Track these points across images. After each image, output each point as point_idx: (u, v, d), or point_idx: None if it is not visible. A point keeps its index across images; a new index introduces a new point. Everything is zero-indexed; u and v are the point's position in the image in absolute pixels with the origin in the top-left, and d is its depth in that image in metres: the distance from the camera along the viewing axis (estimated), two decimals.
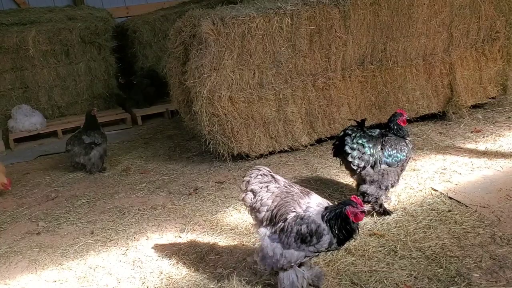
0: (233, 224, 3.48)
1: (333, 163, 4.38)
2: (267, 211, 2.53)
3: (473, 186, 3.60)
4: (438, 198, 3.49)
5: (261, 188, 2.58)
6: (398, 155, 3.32)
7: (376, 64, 4.86)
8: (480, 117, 5.20)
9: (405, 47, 4.91)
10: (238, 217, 3.58)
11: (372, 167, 3.30)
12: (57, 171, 5.06)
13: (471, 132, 4.83)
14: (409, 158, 3.43)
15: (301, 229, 2.40)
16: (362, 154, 3.28)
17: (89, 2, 9.12)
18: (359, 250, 2.95)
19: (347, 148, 3.30)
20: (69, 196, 4.35)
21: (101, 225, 3.71)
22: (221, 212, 3.69)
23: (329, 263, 2.86)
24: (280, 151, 4.73)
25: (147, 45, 7.02)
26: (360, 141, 3.30)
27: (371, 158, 3.30)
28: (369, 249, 2.95)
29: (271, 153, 4.72)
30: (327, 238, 2.39)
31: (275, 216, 2.50)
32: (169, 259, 3.11)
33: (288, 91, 4.57)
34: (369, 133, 3.40)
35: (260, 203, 2.55)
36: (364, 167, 3.29)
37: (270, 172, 2.68)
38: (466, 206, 3.34)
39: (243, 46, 4.30)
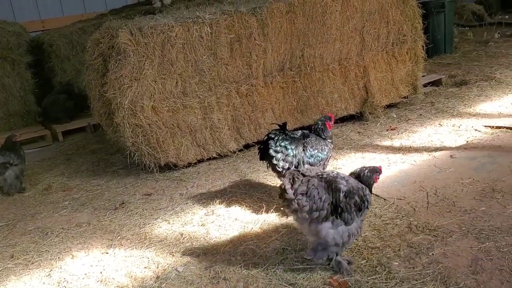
0: (162, 235, 3.44)
1: (261, 167, 4.46)
2: (328, 204, 2.61)
3: (390, 180, 3.82)
4: None
5: (308, 188, 2.61)
6: (320, 154, 3.48)
7: (295, 70, 5.02)
8: (395, 116, 5.53)
9: (321, 53, 5.11)
10: (167, 228, 3.55)
11: (296, 167, 3.41)
12: None
13: (387, 130, 5.13)
14: (330, 157, 3.60)
15: (356, 200, 2.64)
16: (285, 156, 3.40)
17: (1, 16, 8.68)
18: (291, 252, 3.02)
19: (271, 151, 3.41)
20: None
21: (21, 247, 3.52)
22: (150, 225, 3.63)
23: (259, 265, 2.90)
24: (209, 159, 4.75)
25: (65, 59, 6.77)
26: (283, 144, 3.43)
27: (294, 159, 3.42)
28: (298, 249, 3.03)
29: (199, 161, 4.72)
30: (369, 199, 2.72)
31: (336, 203, 2.62)
32: (96, 277, 3.01)
33: (213, 98, 4.61)
34: (291, 135, 3.53)
35: (320, 200, 2.60)
36: (289, 168, 3.40)
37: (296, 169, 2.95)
38: (385, 199, 3.54)
39: (163, 55, 4.28)
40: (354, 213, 2.64)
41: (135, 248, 3.32)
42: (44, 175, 5.01)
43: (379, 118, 5.48)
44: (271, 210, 3.59)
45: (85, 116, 6.37)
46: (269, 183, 4.10)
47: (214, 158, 4.74)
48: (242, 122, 4.80)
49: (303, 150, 3.46)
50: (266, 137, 3.51)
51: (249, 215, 3.57)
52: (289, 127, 4.98)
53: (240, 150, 4.87)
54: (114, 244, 3.40)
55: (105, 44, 4.48)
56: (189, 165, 4.65)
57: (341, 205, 2.62)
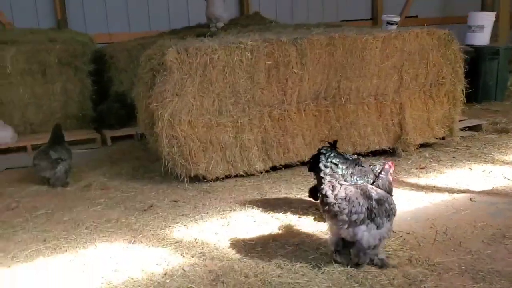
0: (178, 238, 3.71)
1: (283, 189, 4.68)
2: (365, 209, 2.95)
3: (404, 215, 3.90)
4: None
5: (347, 194, 2.95)
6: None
7: (330, 100, 5.23)
8: (427, 155, 5.57)
9: (357, 86, 5.30)
10: (184, 232, 3.82)
11: None
12: (22, 183, 5.24)
13: (416, 168, 5.18)
14: None
15: (386, 207, 3.01)
16: (333, 172, 3.59)
17: (74, 26, 9.50)
18: (288, 264, 3.20)
19: (321, 165, 3.62)
20: (29, 207, 4.53)
21: (54, 234, 3.90)
22: (170, 228, 3.92)
23: (258, 275, 3.10)
24: (236, 175, 5.00)
25: (123, 71, 7.32)
26: (334, 161, 3.63)
27: (341, 178, 3.59)
28: (296, 264, 3.20)
29: (227, 177, 4.99)
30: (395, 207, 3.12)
31: (370, 208, 2.96)
32: (112, 267, 3.31)
33: (246, 119, 4.89)
34: (344, 156, 3.74)
35: (358, 204, 2.94)
36: None
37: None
38: (394, 231, 3.62)
39: (204, 75, 4.63)
40: (384, 218, 3.00)
41: (152, 246, 3.60)
42: (87, 174, 5.45)
43: (412, 156, 5.54)
44: (282, 229, 3.78)
45: (134, 125, 6.82)
46: (287, 204, 4.29)
47: (241, 176, 4.99)
48: (272, 145, 5.03)
49: (351, 174, 3.63)
50: (317, 152, 3.74)
51: (261, 231, 3.77)
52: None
53: (267, 171, 5.09)
54: (134, 241, 3.71)
55: (156, 60, 4.89)
56: (217, 179, 4.92)
57: (374, 211, 2.96)
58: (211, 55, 4.60)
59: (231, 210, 4.21)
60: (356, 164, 3.71)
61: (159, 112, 4.59)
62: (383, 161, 3.42)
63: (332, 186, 2.98)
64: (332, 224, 3.04)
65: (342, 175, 3.60)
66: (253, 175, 5.04)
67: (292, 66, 4.92)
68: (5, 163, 5.90)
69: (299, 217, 4.00)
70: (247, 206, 4.28)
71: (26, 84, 6.66)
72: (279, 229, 3.77)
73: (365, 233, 2.96)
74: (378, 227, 2.97)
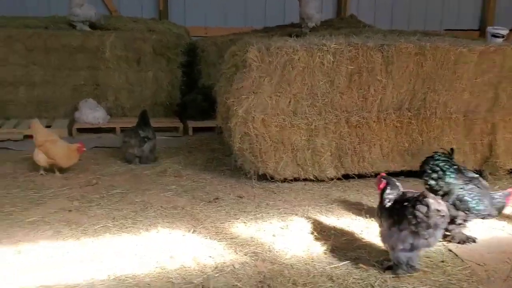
0: (235, 234, 3.74)
1: (352, 199, 4.54)
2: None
3: (477, 244, 3.60)
4: (438, 247, 3.52)
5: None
6: (475, 205, 3.46)
7: (414, 111, 4.95)
8: None
9: (446, 101, 4.97)
10: (242, 229, 3.84)
11: (443, 195, 3.49)
12: (106, 162, 5.58)
13: None
14: (482, 216, 3.56)
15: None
16: (438, 179, 3.52)
17: (173, 18, 9.96)
18: (340, 278, 3.09)
19: (427, 167, 3.59)
20: (107, 185, 4.82)
21: (123, 213, 4.11)
22: (229, 222, 3.96)
23: (307, 284, 3.02)
24: (305, 179, 4.93)
25: (211, 65, 7.51)
26: (443, 167, 3.54)
27: (446, 186, 3.50)
28: (349, 279, 3.08)
29: (295, 179, 4.93)
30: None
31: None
32: (168, 252, 3.42)
33: (321, 123, 4.79)
34: (460, 167, 3.64)
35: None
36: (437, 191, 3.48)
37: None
38: (462, 260, 3.35)
39: (283, 75, 4.60)
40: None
41: (210, 238, 3.66)
42: (165, 160, 5.68)
43: (500, 180, 5.10)
44: (342, 239, 3.65)
45: (214, 118, 6.98)
46: (352, 215, 4.15)
47: (310, 180, 4.90)
48: (346, 152, 4.88)
49: (462, 187, 3.50)
50: (431, 155, 3.69)
51: (319, 239, 3.67)
52: (395, 168, 4.98)
53: (338, 179, 4.96)
54: (194, 230, 3.80)
55: (240, 57, 4.95)
56: (285, 180, 4.88)
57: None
58: (292, 56, 4.56)
59: (293, 214, 4.16)
60: (471, 180, 3.55)
61: (235, 108, 4.64)
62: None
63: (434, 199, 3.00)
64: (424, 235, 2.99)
65: (448, 184, 3.50)
66: (323, 181, 4.93)
67: (376, 73, 4.73)
68: (95, 141, 6.33)
69: (362, 231, 3.84)
70: (311, 212, 4.20)
71: (121, 70, 7.08)
72: (338, 240, 3.65)
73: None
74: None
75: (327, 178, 4.92)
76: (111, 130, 6.77)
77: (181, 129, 6.93)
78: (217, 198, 4.51)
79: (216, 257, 3.37)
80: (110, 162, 5.59)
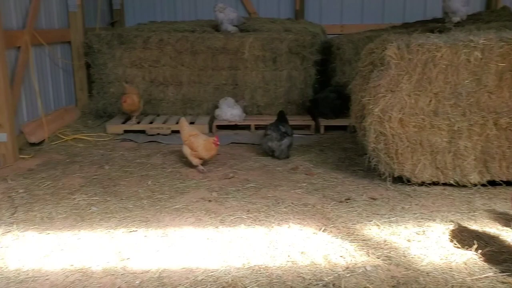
0: (367, 236, 3.66)
1: (498, 208, 4.15)
2: None
3: None
4: None
5: None
6: None
7: None
8: None
9: None
10: (375, 232, 3.74)
11: None
12: (241, 157, 5.87)
13: None
14: None
15: None
16: None
17: (309, 17, 10.09)
18: None
19: None
20: (243, 179, 5.06)
21: (257, 207, 4.28)
22: (361, 224, 3.89)
23: None
24: (445, 184, 4.63)
25: (347, 62, 7.44)
26: None
27: None
28: None
29: (434, 183, 4.65)
30: None
31: None
32: (299, 249, 3.48)
33: (465, 124, 4.45)
34: None
35: None
36: None
37: None
38: None
39: (423, 73, 4.38)
40: None
41: (340, 238, 3.64)
42: (296, 157, 5.78)
43: None
44: (486, 251, 3.36)
45: (347, 117, 6.90)
46: (498, 225, 3.80)
47: (450, 185, 4.59)
48: (493, 156, 4.47)
49: None
50: None
51: (459, 248, 3.43)
52: None
53: (482, 185, 4.57)
54: (325, 229, 3.80)
55: (377, 55, 4.82)
56: (422, 184, 4.63)
57: None
58: (434, 53, 4.31)
59: (430, 220, 3.94)
60: None
61: (370, 106, 4.54)
62: None
63: None
64: None
65: None
66: (464, 186, 4.58)
67: None
68: (232, 138, 6.68)
69: (510, 244, 3.49)
70: (450, 219, 3.94)
71: (258, 69, 7.35)
72: (481, 251, 3.36)
73: None
74: None
75: (470, 183, 4.56)
76: (247, 128, 7.08)
77: (313, 127, 6.98)
78: (348, 199, 4.46)
79: (347, 257, 3.34)
80: (245, 157, 5.86)
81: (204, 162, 5.37)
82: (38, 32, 6.49)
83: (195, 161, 5.29)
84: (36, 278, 3.14)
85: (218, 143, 5.30)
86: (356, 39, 7.44)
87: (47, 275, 3.17)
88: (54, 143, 6.38)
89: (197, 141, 5.27)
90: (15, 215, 4.11)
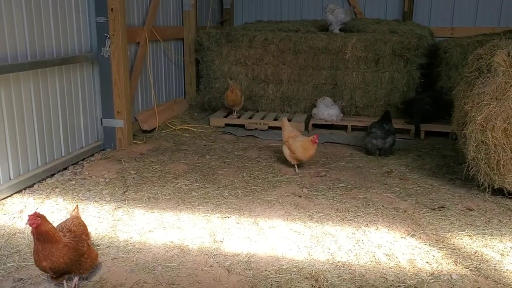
0: (457, 245, 3.59)
1: None
2: None
3: None
4: None
5: None
6: None
7: None
8: None
9: None
10: (466, 241, 3.65)
11: None
12: (334, 157, 5.94)
13: None
14: None
15: None
16: None
17: (418, 19, 9.80)
18: None
19: None
20: (334, 178, 5.15)
21: (346, 206, 4.36)
22: (453, 233, 3.81)
23: None
24: None
25: (453, 67, 7.14)
26: None
27: None
28: None
29: None
30: None
31: None
32: (385, 250, 3.52)
33: None
34: None
35: None
36: None
37: None
38: None
39: None
40: None
41: (429, 245, 3.61)
42: (391, 161, 5.73)
43: None
44: None
45: (449, 123, 6.65)
46: None
47: None
48: None
49: None
50: None
51: None
52: None
53: None
54: (414, 234, 3.79)
55: (485, 61, 4.63)
56: None
57: None
58: None
59: None
60: None
61: (473, 114, 4.38)
62: None
63: None
64: None
65: None
66: None
67: None
68: (327, 137, 6.77)
69: None
70: None
71: (359, 70, 7.35)
72: None
73: None
74: None
75: None
76: (343, 128, 7.12)
77: (412, 132, 6.83)
78: (442, 207, 4.36)
79: (433, 263, 3.32)
80: (338, 157, 5.93)
81: (300, 163, 5.50)
82: (156, 29, 7.12)
83: (293, 161, 5.41)
84: (140, 250, 3.55)
85: (317, 141, 5.41)
86: (466, 43, 7.12)
87: (150, 248, 3.57)
88: (163, 131, 6.96)
89: (295, 143, 5.35)
90: (126, 193, 4.61)
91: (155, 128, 6.97)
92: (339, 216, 4.15)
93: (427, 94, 7.04)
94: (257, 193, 4.67)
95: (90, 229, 3.33)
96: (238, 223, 3.99)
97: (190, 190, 4.71)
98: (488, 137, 4.32)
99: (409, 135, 6.83)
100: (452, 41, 7.52)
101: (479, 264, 3.29)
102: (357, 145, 6.40)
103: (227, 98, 7.25)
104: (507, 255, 3.44)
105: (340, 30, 8.09)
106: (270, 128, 7.09)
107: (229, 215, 4.13)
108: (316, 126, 7.20)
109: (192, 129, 7.17)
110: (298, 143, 5.34)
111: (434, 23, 9.68)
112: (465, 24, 9.58)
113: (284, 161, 5.61)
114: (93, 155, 5.77)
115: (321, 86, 7.55)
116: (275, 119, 7.31)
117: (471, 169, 4.57)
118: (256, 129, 7.12)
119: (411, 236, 3.77)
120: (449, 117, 5.43)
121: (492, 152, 4.35)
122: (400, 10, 9.86)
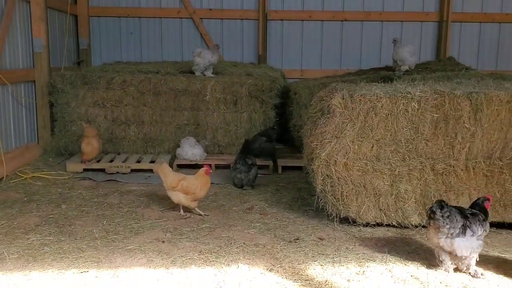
0: (310, 276, 3.86)
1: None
2: (460, 226, 3.78)
3: None
4: None
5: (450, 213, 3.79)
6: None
7: (506, 161, 4.74)
8: None
9: None
10: (318, 271, 3.95)
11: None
12: None
13: None
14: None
15: (479, 218, 3.88)
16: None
17: (271, 62, 10.52)
18: None
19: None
20: (198, 220, 5.21)
21: (209, 247, 4.42)
22: (306, 264, 4.09)
23: None
24: (388, 225, 4.91)
25: (303, 106, 7.76)
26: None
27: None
28: None
29: (378, 224, 4.93)
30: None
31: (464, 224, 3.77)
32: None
33: (405, 169, 4.78)
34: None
35: (456, 221, 3.80)
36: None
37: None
38: None
39: (365, 121, 4.72)
40: (479, 227, 3.79)
41: (286, 278, 3.83)
42: (252, 197, 5.99)
43: None
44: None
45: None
46: (435, 265, 4.06)
47: (393, 226, 4.88)
48: (431, 199, 4.77)
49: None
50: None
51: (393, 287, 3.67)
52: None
53: (423, 226, 4.86)
54: (272, 269, 3.99)
55: (326, 102, 5.15)
56: (367, 224, 4.90)
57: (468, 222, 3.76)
58: (375, 103, 4.67)
59: (371, 260, 4.18)
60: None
61: (318, 151, 4.83)
62: None
63: (441, 206, 3.82)
64: (433, 238, 3.85)
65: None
66: (406, 227, 4.87)
67: (464, 120, 4.66)
68: None
69: (440, 282, 3.75)
70: (389, 260, 4.19)
71: (219, 111, 7.64)
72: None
73: (461, 243, 3.75)
74: (473, 234, 3.75)
75: (411, 225, 4.85)
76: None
77: (271, 167, 7.24)
78: (297, 239, 4.67)
79: None
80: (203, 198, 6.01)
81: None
82: (3, 72, 6.62)
83: (193, 204, 5.25)
84: None
85: (211, 171, 5.41)
86: (312, 85, 7.85)
87: None
88: (12, 181, 6.40)
89: (191, 183, 5.19)
90: None
91: (3, 178, 6.38)
92: (202, 258, 4.19)
93: (261, 133, 7.47)
94: (118, 242, 4.52)
95: None
96: (96, 277, 3.81)
97: (43, 245, 4.38)
98: (332, 171, 4.79)
99: (268, 170, 7.22)
100: (301, 82, 8.24)
101: None
102: (221, 183, 6.56)
103: (83, 150, 6.90)
104: (353, 280, 3.80)
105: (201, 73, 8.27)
106: (133, 171, 6.95)
107: (86, 270, 3.93)
108: (180, 166, 7.24)
109: (47, 176, 6.70)
110: (195, 182, 5.21)
111: (286, 66, 10.50)
112: (313, 67, 10.56)
113: (148, 205, 5.54)
114: None
115: (184, 127, 7.67)
116: (138, 161, 7.20)
117: (320, 200, 5.00)
118: (117, 172, 6.92)
119: (270, 271, 3.96)
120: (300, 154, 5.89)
121: (336, 184, 4.82)
122: (256, 53, 10.51)
